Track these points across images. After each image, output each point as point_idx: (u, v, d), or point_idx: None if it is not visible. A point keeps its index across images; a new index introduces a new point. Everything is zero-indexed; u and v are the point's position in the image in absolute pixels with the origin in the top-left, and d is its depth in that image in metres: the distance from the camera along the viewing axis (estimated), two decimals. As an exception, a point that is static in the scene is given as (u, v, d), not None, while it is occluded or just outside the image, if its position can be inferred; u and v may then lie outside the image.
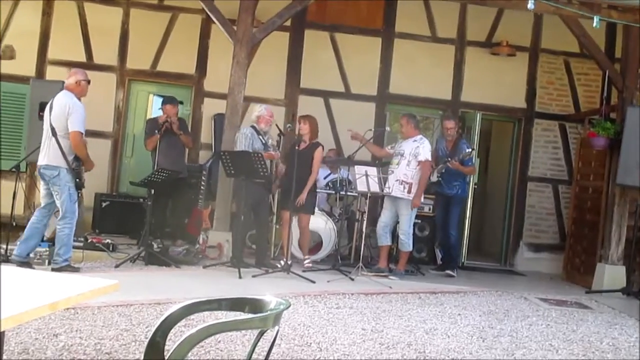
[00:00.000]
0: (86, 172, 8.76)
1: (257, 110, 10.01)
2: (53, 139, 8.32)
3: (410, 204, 10.09)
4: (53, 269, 8.35)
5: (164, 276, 8.87)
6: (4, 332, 2.87)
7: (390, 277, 9.95)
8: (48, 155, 8.39)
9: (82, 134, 8.35)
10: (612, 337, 7.60)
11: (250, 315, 3.12)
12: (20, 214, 11.10)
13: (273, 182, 9.86)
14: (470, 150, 10.79)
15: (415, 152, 10.12)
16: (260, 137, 9.73)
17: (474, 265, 12.50)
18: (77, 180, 8.44)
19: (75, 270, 8.50)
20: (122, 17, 12.61)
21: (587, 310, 9.12)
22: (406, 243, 10.22)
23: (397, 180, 10.06)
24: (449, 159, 10.68)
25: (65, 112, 8.27)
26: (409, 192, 10.06)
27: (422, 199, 10.50)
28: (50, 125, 8.34)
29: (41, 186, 8.70)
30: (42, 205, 8.70)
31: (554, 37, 12.83)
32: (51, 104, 8.44)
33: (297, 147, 9.68)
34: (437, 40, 13.05)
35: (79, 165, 8.47)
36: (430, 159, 10.26)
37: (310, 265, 10.15)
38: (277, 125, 10.17)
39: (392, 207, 10.30)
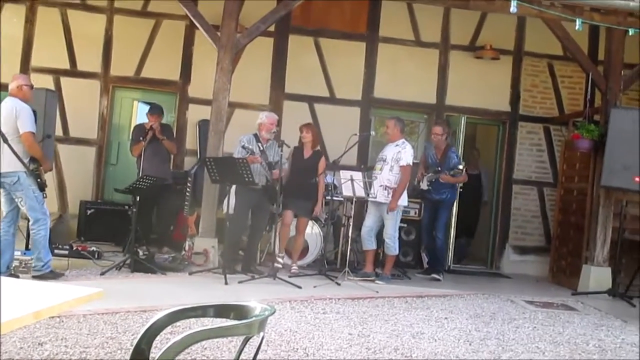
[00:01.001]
0: (46, 173, 8.67)
1: (259, 117, 10.08)
2: (4, 144, 8.21)
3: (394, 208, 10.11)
4: (34, 277, 8.26)
5: (149, 283, 8.83)
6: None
7: (377, 281, 9.95)
8: (3, 162, 8.27)
9: (33, 134, 8.24)
10: (598, 338, 7.62)
11: (236, 322, 3.11)
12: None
13: (275, 189, 9.67)
14: (462, 166, 10.78)
15: (397, 157, 10.13)
16: (259, 144, 9.72)
17: (460, 268, 12.51)
18: (39, 180, 8.35)
19: (58, 276, 8.48)
20: (106, 24, 12.56)
21: (574, 312, 9.15)
22: (392, 247, 10.21)
23: (380, 185, 10.07)
24: (439, 169, 10.70)
25: (13, 115, 8.17)
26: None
27: (407, 203, 10.50)
28: (0, 131, 8.28)
29: (1, 194, 8.62)
30: (4, 214, 8.61)
31: (537, 40, 12.88)
32: None
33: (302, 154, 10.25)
34: (421, 44, 13.07)
35: (37, 166, 8.37)
36: (411, 163, 10.24)
37: (297, 270, 10.15)
38: (283, 141, 10.07)
39: (376, 212, 10.30)
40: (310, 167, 10.28)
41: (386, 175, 10.11)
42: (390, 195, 10.04)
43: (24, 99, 8.43)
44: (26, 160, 8.26)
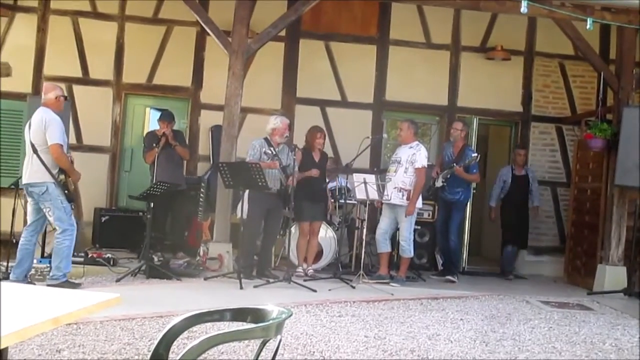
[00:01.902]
0: (75, 184, 8.76)
1: (272, 122, 10.05)
2: (34, 155, 8.26)
3: None
4: (49, 285, 8.15)
5: (165, 289, 8.85)
6: (6, 348, 2.87)
7: (392, 284, 9.94)
8: (32, 172, 8.32)
9: (61, 145, 8.26)
10: (614, 337, 7.60)
11: (253, 325, 3.12)
12: (20, 230, 11.10)
13: (289, 194, 9.67)
14: (476, 155, 10.81)
15: (411, 158, 10.13)
16: (272, 148, 9.75)
17: (475, 270, 12.48)
18: (66, 192, 8.39)
19: (75, 286, 8.44)
20: (117, 32, 12.64)
21: (589, 312, 9.13)
22: (407, 249, 10.21)
23: (395, 187, 10.06)
24: (454, 165, 10.71)
25: (42, 127, 8.20)
26: (408, 198, 10.07)
27: (421, 205, 10.50)
28: (30, 142, 8.31)
29: (28, 203, 8.67)
30: (29, 222, 8.65)
31: (548, 40, 12.89)
32: (29, 122, 8.42)
33: (312, 158, 10.33)
34: (431, 46, 13.09)
35: (65, 177, 8.42)
36: (426, 165, 10.25)
37: (313, 273, 10.18)
38: (296, 145, 10.10)
39: (390, 214, 10.30)
40: (322, 170, 10.38)
41: (400, 177, 10.11)
42: (404, 197, 10.04)
43: (57, 110, 8.49)
44: (55, 171, 8.29)
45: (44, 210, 8.40)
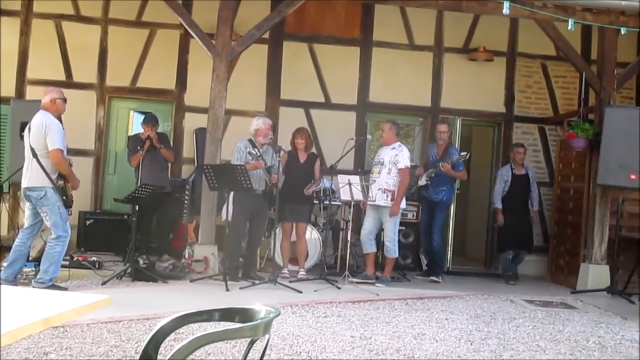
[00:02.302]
0: (73, 190, 8.65)
1: (254, 123, 10.07)
2: (34, 159, 8.24)
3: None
4: (35, 288, 8.05)
5: (151, 292, 8.86)
6: (-3, 350, 2.89)
7: (377, 284, 9.99)
8: (31, 176, 8.30)
9: (62, 151, 8.24)
10: (598, 335, 7.68)
11: (241, 325, 3.15)
12: (5, 234, 11.10)
13: (274, 194, 9.73)
14: (465, 153, 10.85)
15: (394, 159, 10.17)
16: (256, 149, 9.76)
17: (459, 270, 12.53)
18: (64, 198, 8.34)
19: (61, 290, 8.43)
20: (101, 35, 12.61)
21: (573, 310, 9.21)
22: (392, 249, 10.26)
23: (379, 189, 10.09)
24: (439, 163, 10.75)
25: (43, 131, 8.19)
26: (392, 199, 10.12)
27: (405, 206, 10.55)
28: (30, 146, 8.29)
29: (26, 207, 8.64)
30: (26, 226, 8.62)
31: (531, 41, 12.97)
32: (29, 125, 8.40)
33: (298, 159, 10.37)
34: (414, 47, 13.14)
35: (64, 183, 8.39)
36: (409, 166, 10.30)
37: (305, 275, 10.20)
38: (280, 147, 10.13)
39: (374, 214, 10.33)
40: (307, 171, 10.41)
41: (384, 179, 10.15)
42: (389, 198, 10.08)
43: (56, 113, 8.50)
44: (54, 177, 8.27)
45: (42, 214, 8.39)
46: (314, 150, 11.13)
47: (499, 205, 11.68)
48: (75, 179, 8.59)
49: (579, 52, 12.12)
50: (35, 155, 8.25)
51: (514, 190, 11.67)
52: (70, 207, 8.54)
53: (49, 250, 8.40)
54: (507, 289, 10.71)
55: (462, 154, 10.81)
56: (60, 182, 8.33)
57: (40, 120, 8.28)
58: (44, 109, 8.42)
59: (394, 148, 10.29)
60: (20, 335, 2.51)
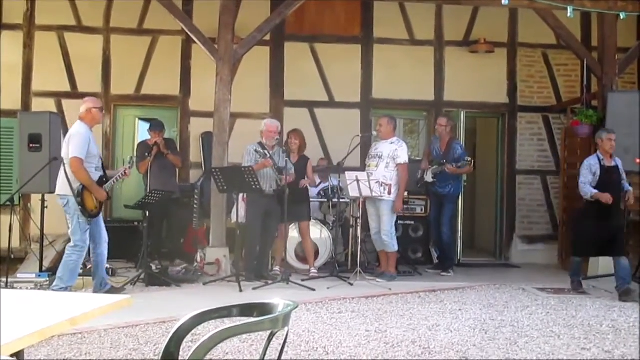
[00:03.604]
0: (101, 202, 8.62)
1: (261, 125, 10.16)
2: (63, 168, 8.37)
3: (390, 204, 10.15)
4: None
5: (165, 296, 8.92)
6: (22, 351, 2.96)
7: (378, 279, 10.01)
8: (59, 184, 8.44)
9: (80, 159, 8.21)
10: (611, 319, 7.73)
11: (261, 318, 3.20)
12: (16, 246, 11.17)
13: (284, 192, 9.68)
14: (469, 159, 10.81)
15: (394, 154, 10.18)
16: (266, 151, 9.79)
17: (469, 261, 12.58)
18: (82, 207, 8.28)
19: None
20: (103, 44, 12.70)
21: (585, 296, 9.24)
22: (389, 243, 10.23)
23: (376, 182, 10.03)
24: (444, 161, 10.77)
25: (67, 140, 8.31)
26: (389, 193, 10.12)
27: (408, 198, 10.54)
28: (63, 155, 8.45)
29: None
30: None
31: (531, 30, 13.01)
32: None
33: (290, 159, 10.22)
34: (415, 42, 13.19)
35: (82, 192, 8.32)
36: (407, 161, 10.31)
37: (317, 274, 10.24)
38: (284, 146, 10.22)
39: (375, 211, 10.32)
40: (299, 172, 10.36)
41: (382, 172, 10.14)
42: (386, 192, 10.07)
43: (92, 123, 8.59)
44: (75, 186, 8.29)
45: (67, 220, 8.51)
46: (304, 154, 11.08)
47: (592, 190, 9.34)
48: (98, 189, 8.47)
49: (579, 39, 12.18)
50: (63, 164, 8.38)
51: (603, 186, 9.45)
52: (91, 217, 8.47)
53: (65, 258, 8.44)
54: (518, 278, 10.75)
55: (467, 159, 10.76)
56: (79, 192, 8.28)
57: (70, 130, 8.46)
58: (79, 118, 8.52)
59: (392, 143, 10.30)
60: (49, 334, 2.58)
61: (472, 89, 13.10)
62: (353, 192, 10.01)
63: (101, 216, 8.75)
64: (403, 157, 10.20)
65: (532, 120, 13.32)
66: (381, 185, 10.08)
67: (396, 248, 10.37)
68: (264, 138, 10.00)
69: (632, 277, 9.97)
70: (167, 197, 10.12)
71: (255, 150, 9.74)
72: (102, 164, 8.86)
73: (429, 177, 11.01)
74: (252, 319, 3.25)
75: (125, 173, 8.93)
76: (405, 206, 11.12)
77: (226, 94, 10.36)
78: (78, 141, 8.26)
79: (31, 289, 8.78)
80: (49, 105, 12.07)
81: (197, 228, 11.15)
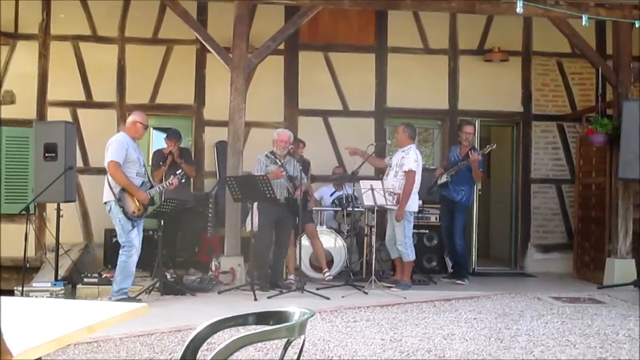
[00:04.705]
0: (144, 203, 8.91)
1: (273, 135, 10.20)
2: (106, 176, 8.74)
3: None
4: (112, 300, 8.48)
5: (181, 304, 8.94)
6: (39, 359, 2.97)
7: (393, 288, 9.95)
8: (104, 192, 8.78)
9: (117, 163, 8.61)
10: (627, 328, 7.69)
11: (277, 326, 3.20)
12: (32, 255, 11.21)
13: (297, 203, 9.70)
14: (493, 144, 10.98)
15: (400, 162, 10.14)
16: (278, 160, 9.80)
17: (484, 270, 12.55)
18: (123, 209, 8.59)
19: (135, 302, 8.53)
20: (118, 54, 12.72)
21: (601, 305, 9.21)
22: (405, 253, 10.14)
23: (387, 191, 9.96)
24: (472, 151, 10.82)
25: (106, 148, 8.74)
26: (398, 202, 10.03)
27: (417, 208, 10.42)
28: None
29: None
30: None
31: (545, 39, 12.98)
32: None
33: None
34: (429, 51, 13.18)
35: (122, 194, 8.67)
36: (414, 169, 10.05)
37: (331, 276, 10.23)
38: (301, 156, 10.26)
39: (390, 220, 10.31)
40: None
41: (391, 181, 10.13)
42: (394, 201, 9.99)
43: (134, 135, 8.96)
44: (116, 191, 8.62)
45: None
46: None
47: None
48: (137, 190, 8.78)
49: (594, 47, 12.14)
50: (106, 171, 8.74)
51: None
52: (134, 219, 8.77)
53: (119, 260, 8.79)
54: (534, 287, 10.72)
55: (490, 145, 10.83)
56: (120, 195, 8.63)
57: (111, 139, 8.88)
58: (124, 130, 9.03)
59: (403, 150, 10.24)
60: (67, 342, 2.59)
61: (487, 98, 13.07)
62: (367, 200, 9.98)
63: (142, 223, 9.02)
64: (408, 164, 10.05)
65: (547, 128, 13.28)
66: (390, 195, 10.05)
67: (412, 258, 10.26)
68: (276, 147, 10.01)
69: (635, 283, 10.03)
70: (181, 206, 10.14)
71: (267, 156, 9.76)
72: (145, 170, 9.18)
73: (442, 178, 10.98)
74: (268, 327, 3.25)
75: (172, 183, 9.26)
76: (420, 215, 11.11)
77: (240, 103, 10.38)
78: (114, 146, 8.69)
79: (47, 297, 8.80)
80: (64, 114, 12.10)
81: (212, 237, 11.18)
